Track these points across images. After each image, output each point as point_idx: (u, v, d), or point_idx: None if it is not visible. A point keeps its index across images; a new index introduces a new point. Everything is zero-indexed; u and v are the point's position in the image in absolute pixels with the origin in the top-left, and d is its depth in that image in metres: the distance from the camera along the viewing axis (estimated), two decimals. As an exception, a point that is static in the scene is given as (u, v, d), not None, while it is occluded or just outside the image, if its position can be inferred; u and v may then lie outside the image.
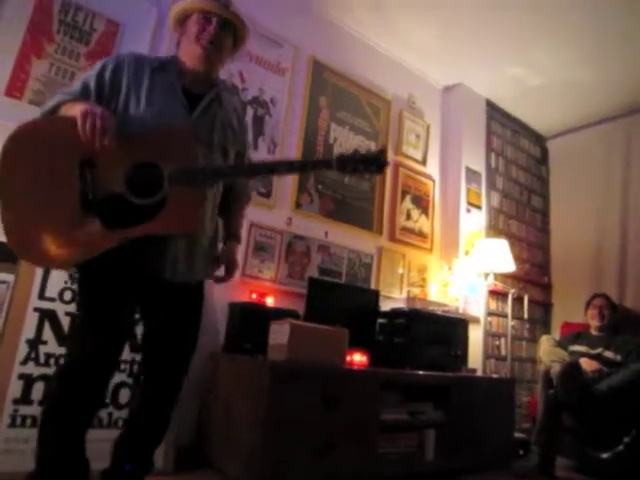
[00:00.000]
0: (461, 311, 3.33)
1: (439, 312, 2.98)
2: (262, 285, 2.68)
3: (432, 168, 3.79)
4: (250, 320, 2.32)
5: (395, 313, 2.82)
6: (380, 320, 2.84)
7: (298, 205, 2.94)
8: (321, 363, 2.11)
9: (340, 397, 2.08)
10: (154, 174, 1.33)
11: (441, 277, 3.50)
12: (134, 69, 1.46)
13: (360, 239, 3.21)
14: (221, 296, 2.48)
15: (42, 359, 1.92)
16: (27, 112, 1.67)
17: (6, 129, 1.38)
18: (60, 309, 1.99)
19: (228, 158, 1.56)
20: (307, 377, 2.02)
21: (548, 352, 2.96)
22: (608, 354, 2.89)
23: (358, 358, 2.43)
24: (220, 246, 1.64)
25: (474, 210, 3.76)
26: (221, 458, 2.11)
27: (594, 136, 4.17)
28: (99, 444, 1.64)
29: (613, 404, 2.58)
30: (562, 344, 3.07)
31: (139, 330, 1.75)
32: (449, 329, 2.86)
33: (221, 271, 1.62)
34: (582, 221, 4.09)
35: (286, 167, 1.44)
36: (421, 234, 3.60)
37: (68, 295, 2.01)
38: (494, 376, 3.42)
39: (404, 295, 3.33)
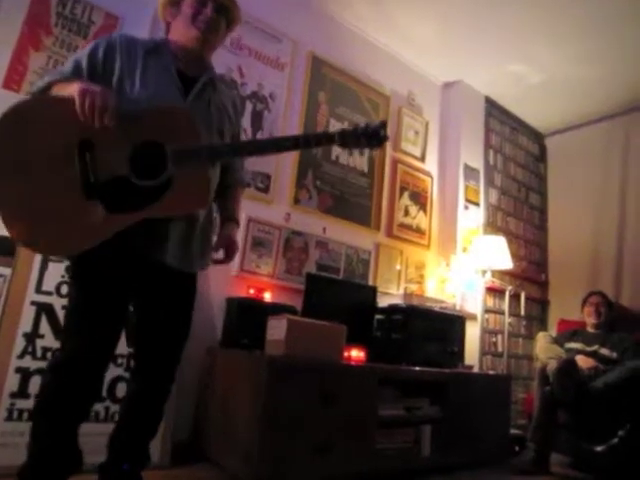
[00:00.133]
0: (458, 308, 3.33)
1: (436, 309, 2.98)
2: (260, 280, 2.68)
3: (430, 165, 3.79)
4: (248, 315, 2.32)
5: (392, 309, 2.83)
6: (377, 316, 2.84)
7: (296, 201, 2.93)
8: (319, 359, 2.11)
9: (338, 392, 2.08)
10: (155, 155, 1.29)
11: (439, 274, 3.51)
12: (127, 50, 1.43)
13: (358, 235, 3.21)
14: (218, 291, 2.48)
15: (39, 353, 1.92)
16: (24, 105, 1.66)
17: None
18: (57, 303, 1.98)
19: (224, 141, 1.55)
20: (304, 372, 2.02)
21: (544, 349, 2.98)
22: (604, 351, 2.90)
23: (355, 354, 2.44)
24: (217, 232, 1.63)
25: (472, 207, 3.76)
26: (219, 453, 2.11)
27: (593, 134, 4.18)
28: (96, 438, 1.65)
29: (609, 401, 2.59)
30: (558, 341, 3.09)
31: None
32: (446, 325, 2.87)
33: (220, 254, 1.61)
34: (580, 219, 4.10)
35: (292, 142, 1.42)
36: (419, 230, 3.60)
37: (65, 289, 2.00)
38: (491, 373, 3.44)
39: (401, 291, 3.33)
